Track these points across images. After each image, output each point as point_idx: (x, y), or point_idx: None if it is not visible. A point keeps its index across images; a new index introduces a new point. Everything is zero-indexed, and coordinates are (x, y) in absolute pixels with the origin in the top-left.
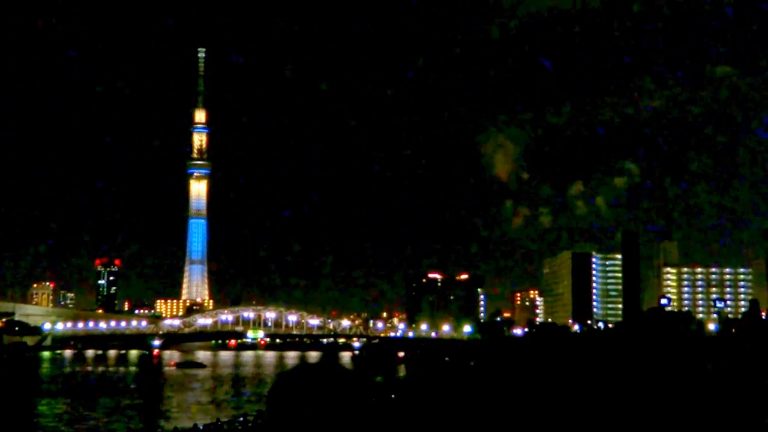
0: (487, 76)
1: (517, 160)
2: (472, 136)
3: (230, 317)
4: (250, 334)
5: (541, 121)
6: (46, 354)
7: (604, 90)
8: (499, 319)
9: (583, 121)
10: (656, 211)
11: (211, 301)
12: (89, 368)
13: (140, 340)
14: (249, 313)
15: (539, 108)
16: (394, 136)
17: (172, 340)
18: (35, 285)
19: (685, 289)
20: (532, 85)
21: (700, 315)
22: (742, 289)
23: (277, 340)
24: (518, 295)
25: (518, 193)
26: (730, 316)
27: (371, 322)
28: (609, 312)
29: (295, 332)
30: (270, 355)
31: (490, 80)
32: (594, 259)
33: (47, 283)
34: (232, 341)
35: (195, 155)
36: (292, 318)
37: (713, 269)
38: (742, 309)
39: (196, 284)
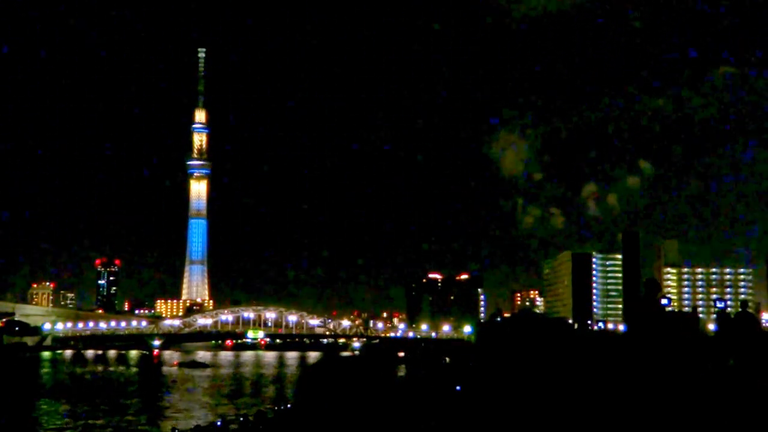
0: (493, 73)
1: (528, 160)
2: (477, 134)
3: (230, 317)
4: (250, 334)
5: (551, 120)
6: (46, 354)
7: (610, 89)
8: (499, 319)
9: (596, 119)
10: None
11: (211, 301)
12: (89, 368)
13: (140, 340)
14: (249, 313)
15: (548, 106)
16: (396, 134)
17: (172, 340)
18: (35, 285)
19: (685, 289)
20: (541, 83)
21: (701, 315)
22: (742, 289)
23: (277, 340)
24: (518, 295)
25: (528, 192)
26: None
27: (371, 322)
28: (609, 312)
29: (295, 332)
30: (270, 356)
31: (496, 77)
32: (594, 259)
33: (47, 283)
34: (229, 341)
35: (195, 155)
36: (292, 318)
37: (713, 269)
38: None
39: (196, 284)
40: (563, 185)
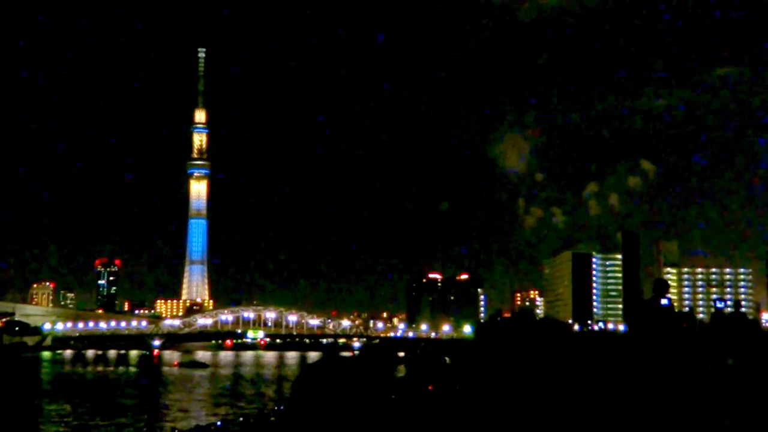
0: (493, 73)
1: (530, 160)
2: (477, 134)
3: (230, 317)
4: (250, 334)
5: (552, 120)
6: (46, 354)
7: (614, 89)
8: (499, 319)
9: (597, 119)
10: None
11: (211, 301)
12: (89, 368)
13: (140, 340)
14: (249, 313)
15: (549, 106)
16: (396, 134)
17: (172, 340)
18: (35, 285)
19: (686, 289)
20: (541, 82)
21: (701, 315)
22: (742, 289)
23: (277, 340)
24: (518, 295)
25: (529, 192)
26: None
27: (371, 322)
28: (609, 312)
29: (295, 332)
30: (270, 356)
31: (496, 76)
32: (594, 259)
33: (47, 283)
34: (228, 341)
35: (195, 155)
36: (292, 318)
37: (713, 269)
38: (743, 309)
39: (196, 284)
40: (564, 185)
